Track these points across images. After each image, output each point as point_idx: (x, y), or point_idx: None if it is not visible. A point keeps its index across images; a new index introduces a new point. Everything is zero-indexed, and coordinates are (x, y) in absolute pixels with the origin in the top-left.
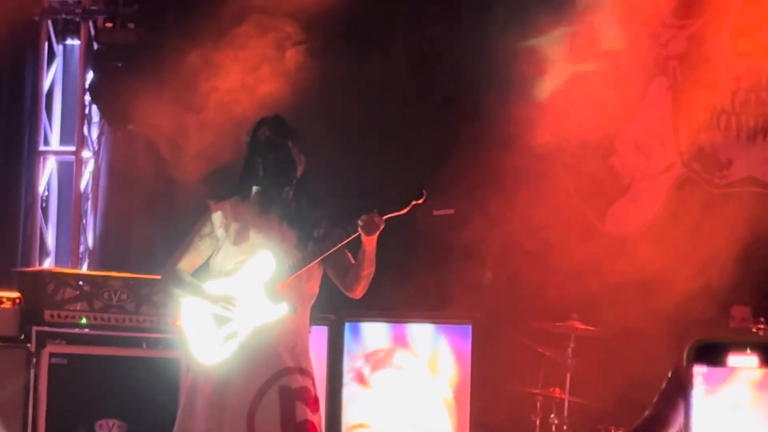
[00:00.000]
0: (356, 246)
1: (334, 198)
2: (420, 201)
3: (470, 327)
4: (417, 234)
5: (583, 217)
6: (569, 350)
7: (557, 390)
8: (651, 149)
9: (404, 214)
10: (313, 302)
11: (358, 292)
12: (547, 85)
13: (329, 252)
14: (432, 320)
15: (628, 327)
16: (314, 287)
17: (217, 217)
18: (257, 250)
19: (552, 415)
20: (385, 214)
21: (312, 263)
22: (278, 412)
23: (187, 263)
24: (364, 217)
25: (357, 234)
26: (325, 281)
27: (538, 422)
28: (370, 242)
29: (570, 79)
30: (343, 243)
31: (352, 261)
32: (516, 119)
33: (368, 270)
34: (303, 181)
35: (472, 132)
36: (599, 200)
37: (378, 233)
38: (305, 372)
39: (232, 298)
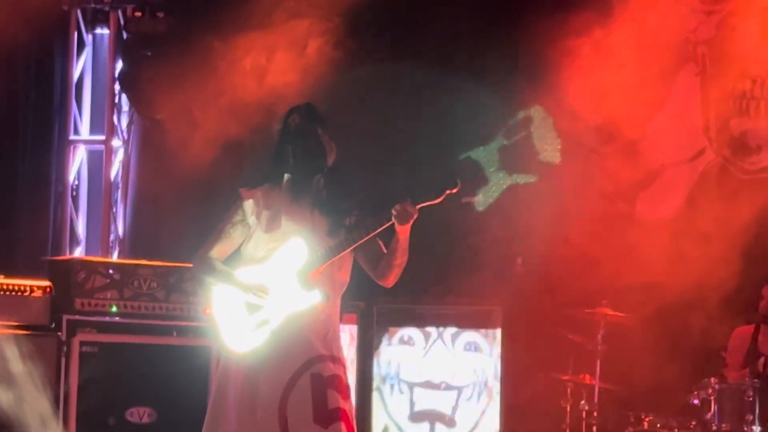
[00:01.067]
0: (388, 235)
1: (366, 189)
2: (454, 191)
3: (500, 313)
4: (446, 221)
5: (614, 204)
6: (599, 337)
7: (587, 376)
8: (680, 136)
9: (438, 203)
10: (344, 291)
11: (390, 280)
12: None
13: (363, 240)
14: (462, 306)
15: (658, 313)
16: (346, 276)
17: (248, 204)
18: (289, 237)
19: (582, 402)
20: (419, 204)
21: (345, 251)
22: (310, 400)
23: (218, 251)
24: (397, 206)
25: (390, 223)
26: (353, 268)
27: (568, 408)
28: (403, 231)
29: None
30: (376, 231)
31: (384, 250)
32: (544, 101)
33: (401, 259)
34: (334, 169)
35: (498, 116)
36: (629, 187)
37: (412, 222)
38: (337, 360)
39: (264, 286)
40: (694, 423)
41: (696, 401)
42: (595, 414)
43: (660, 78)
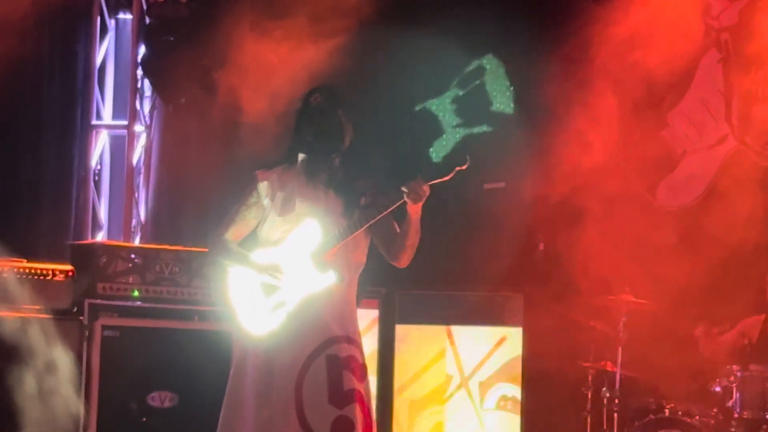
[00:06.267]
0: (402, 215)
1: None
2: (464, 167)
3: (522, 300)
4: (468, 207)
5: (635, 191)
6: (621, 323)
7: (609, 363)
8: (702, 122)
9: (448, 180)
10: (360, 271)
11: (404, 261)
12: None
13: (375, 220)
14: (483, 293)
15: (679, 300)
16: (361, 256)
17: (263, 186)
18: (303, 219)
19: (603, 389)
20: (429, 181)
21: (357, 231)
22: (325, 381)
23: (233, 233)
24: (409, 184)
25: (402, 201)
26: (375, 254)
27: (589, 395)
28: (416, 210)
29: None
30: (388, 210)
31: (398, 230)
32: (569, 91)
33: (413, 239)
34: (351, 150)
35: (522, 106)
36: (651, 174)
37: (424, 201)
38: (353, 341)
39: (279, 266)
40: (715, 410)
41: (718, 388)
42: (617, 401)
43: (682, 64)
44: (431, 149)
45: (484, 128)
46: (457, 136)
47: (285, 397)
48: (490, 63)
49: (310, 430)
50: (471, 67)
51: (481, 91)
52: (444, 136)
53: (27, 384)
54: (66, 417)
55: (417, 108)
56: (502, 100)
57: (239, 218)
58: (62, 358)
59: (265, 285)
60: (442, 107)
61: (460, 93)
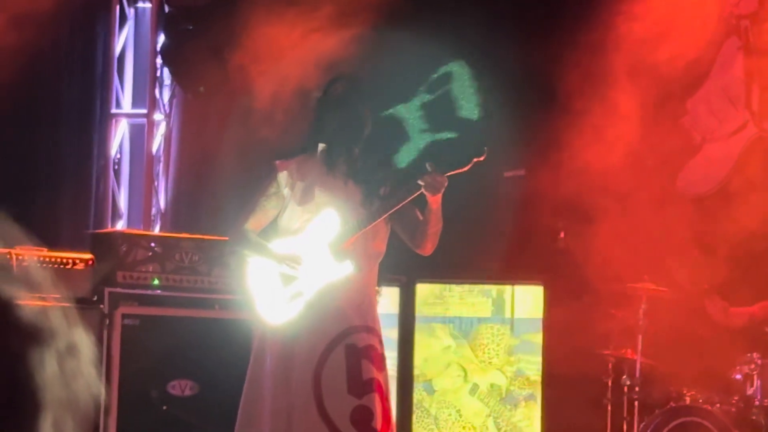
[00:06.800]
0: (423, 202)
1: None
2: (481, 158)
3: (542, 288)
4: (488, 195)
5: (655, 178)
6: (641, 311)
7: (629, 351)
8: (722, 110)
9: (466, 171)
10: (380, 260)
11: (428, 248)
12: None
13: (392, 210)
14: (504, 281)
15: (699, 287)
16: (381, 245)
17: (282, 176)
18: (322, 208)
19: (624, 376)
20: (447, 172)
21: (376, 221)
22: (344, 371)
23: (253, 223)
24: (426, 177)
25: (420, 192)
26: (396, 242)
27: (609, 383)
28: (435, 201)
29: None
30: (406, 201)
31: (420, 218)
32: (587, 78)
33: (436, 227)
34: (371, 140)
35: (542, 93)
36: (670, 162)
37: (442, 191)
38: (371, 330)
39: (297, 257)
40: (736, 398)
41: (738, 376)
42: (637, 389)
43: (702, 51)
44: (397, 155)
45: (451, 134)
46: (424, 142)
47: (304, 387)
48: (457, 68)
49: (330, 420)
50: (438, 73)
51: (449, 97)
52: (410, 142)
53: (48, 368)
54: (87, 398)
55: (383, 113)
56: (468, 105)
57: (259, 208)
58: (83, 342)
59: (283, 275)
60: (410, 113)
61: (428, 98)
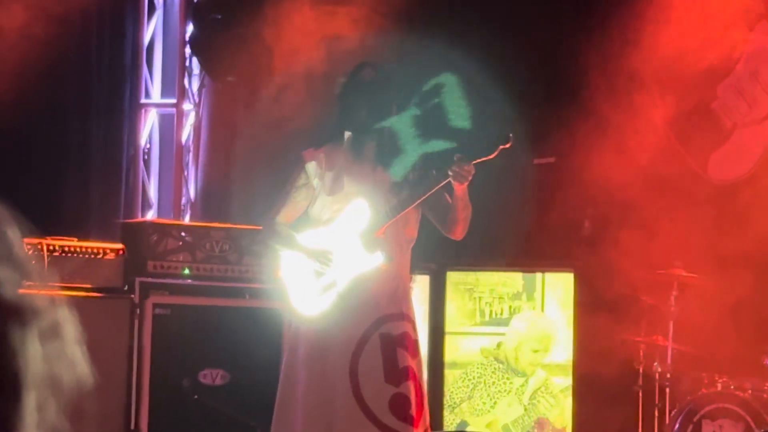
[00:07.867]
0: (451, 188)
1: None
2: (507, 145)
3: (572, 275)
4: (518, 182)
5: (685, 165)
6: (672, 298)
7: (660, 338)
8: (753, 95)
9: (492, 159)
10: (412, 245)
11: (459, 233)
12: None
13: (422, 199)
14: (534, 269)
15: (731, 274)
16: (412, 231)
17: (311, 166)
18: (351, 198)
19: (655, 363)
20: (474, 161)
21: (406, 210)
22: (380, 361)
23: (285, 216)
24: (454, 167)
25: (448, 180)
26: (427, 229)
27: (641, 370)
28: (462, 189)
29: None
30: (434, 190)
31: (450, 202)
32: (618, 65)
33: (464, 212)
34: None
35: (573, 81)
36: (701, 147)
37: (470, 179)
38: (405, 317)
39: (327, 252)
40: None
41: None
42: (669, 375)
43: (733, 35)
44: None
45: (444, 144)
46: (417, 153)
47: (341, 378)
48: (448, 80)
49: (369, 410)
50: (429, 85)
51: (440, 108)
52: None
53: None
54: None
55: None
56: (459, 116)
57: (289, 200)
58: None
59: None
60: (402, 125)
61: (419, 111)
